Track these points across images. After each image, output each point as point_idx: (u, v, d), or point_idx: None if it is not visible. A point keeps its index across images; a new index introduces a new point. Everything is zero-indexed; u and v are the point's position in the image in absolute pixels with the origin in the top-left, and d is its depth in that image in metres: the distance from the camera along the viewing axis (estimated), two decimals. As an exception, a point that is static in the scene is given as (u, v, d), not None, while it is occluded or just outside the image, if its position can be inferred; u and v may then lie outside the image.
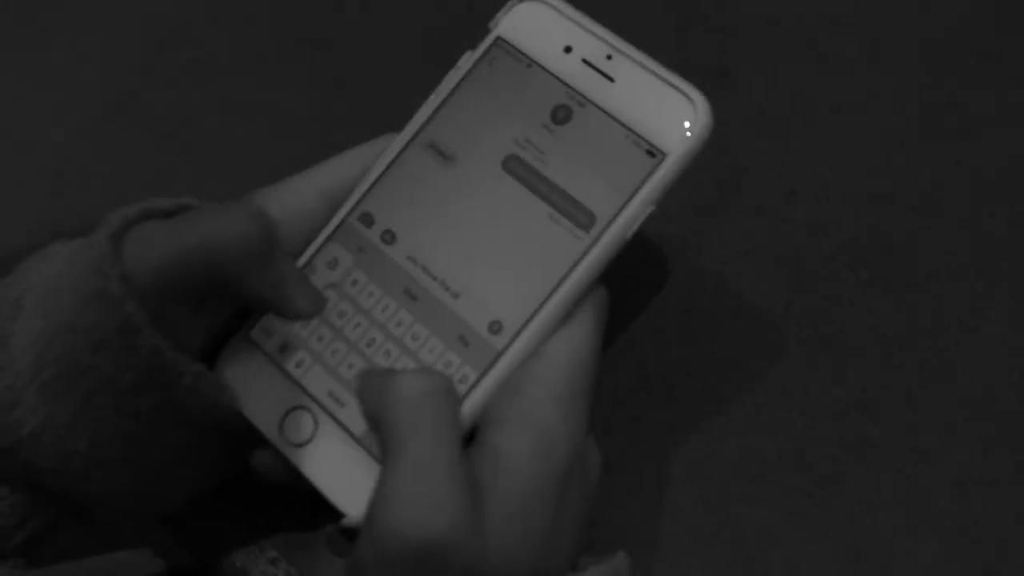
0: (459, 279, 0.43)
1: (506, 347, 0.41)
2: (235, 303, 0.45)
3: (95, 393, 0.41)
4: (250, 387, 0.44)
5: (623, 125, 0.42)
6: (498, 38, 0.45)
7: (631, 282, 0.55)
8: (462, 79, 0.45)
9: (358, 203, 0.45)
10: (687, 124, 0.41)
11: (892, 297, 0.55)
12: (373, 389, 0.40)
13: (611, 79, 0.43)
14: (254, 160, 0.60)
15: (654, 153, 0.41)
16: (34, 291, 0.42)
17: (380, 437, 0.39)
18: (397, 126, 0.46)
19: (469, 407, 0.42)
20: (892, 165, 0.59)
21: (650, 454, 0.52)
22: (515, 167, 0.43)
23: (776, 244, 0.57)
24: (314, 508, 0.43)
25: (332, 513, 0.42)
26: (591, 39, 0.43)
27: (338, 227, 0.45)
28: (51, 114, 0.62)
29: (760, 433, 0.53)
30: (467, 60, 0.45)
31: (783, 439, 0.52)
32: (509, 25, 0.44)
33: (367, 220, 0.45)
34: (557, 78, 0.43)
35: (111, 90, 0.62)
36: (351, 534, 0.40)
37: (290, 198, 0.45)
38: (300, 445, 0.43)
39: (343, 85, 0.63)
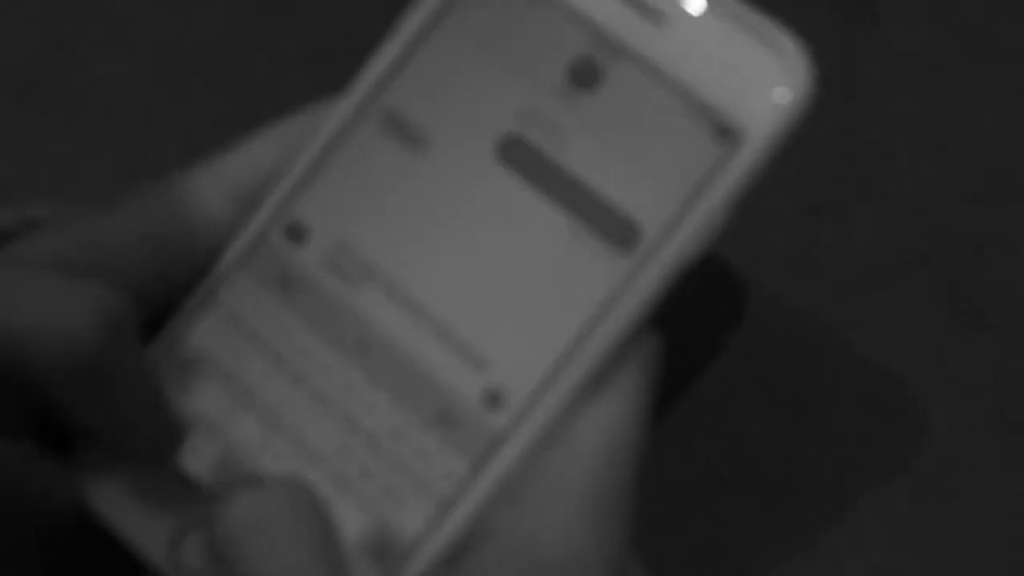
0: (439, 324, 0.39)
1: (511, 427, 0.38)
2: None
3: None
4: (117, 488, 0.39)
5: (680, 90, 0.38)
6: None
7: (698, 326, 0.51)
8: (433, 18, 0.41)
9: (281, 208, 0.41)
10: (777, 88, 0.38)
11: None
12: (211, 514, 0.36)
13: (661, 18, 0.39)
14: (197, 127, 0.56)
15: (728, 132, 0.38)
16: None
17: None
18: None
19: (453, 523, 0.38)
20: None
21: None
22: (518, 154, 0.40)
23: (935, 262, 0.52)
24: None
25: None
26: None
27: (253, 246, 0.41)
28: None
29: (901, 553, 0.47)
30: None
31: (938, 564, 0.47)
32: None
33: (297, 234, 0.41)
34: (580, 16, 0.40)
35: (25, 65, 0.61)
36: None
37: (187, 202, 0.40)
38: None
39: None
